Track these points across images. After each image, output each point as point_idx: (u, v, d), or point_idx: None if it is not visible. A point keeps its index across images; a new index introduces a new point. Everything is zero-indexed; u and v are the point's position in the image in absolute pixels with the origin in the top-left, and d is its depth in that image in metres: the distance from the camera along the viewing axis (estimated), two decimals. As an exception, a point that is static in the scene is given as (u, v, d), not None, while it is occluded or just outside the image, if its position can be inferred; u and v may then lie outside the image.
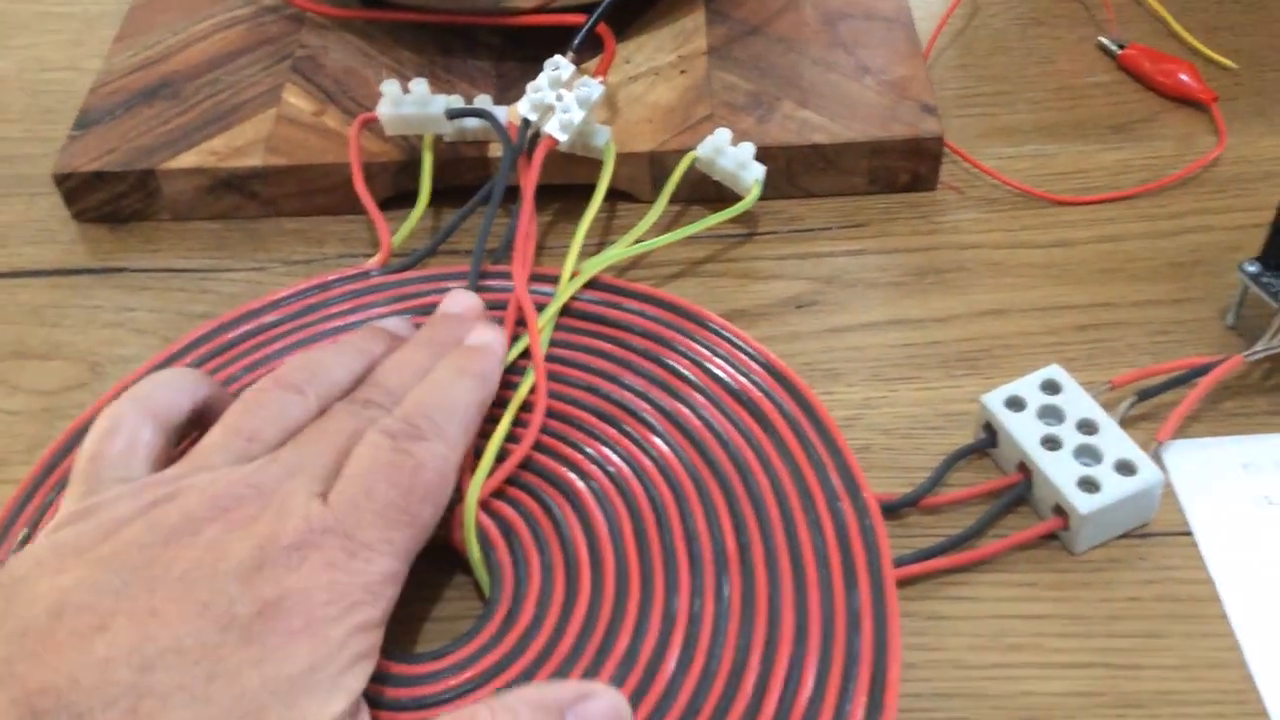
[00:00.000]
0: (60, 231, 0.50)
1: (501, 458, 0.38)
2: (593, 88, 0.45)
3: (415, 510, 0.33)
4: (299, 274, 0.47)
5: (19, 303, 0.47)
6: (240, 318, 0.43)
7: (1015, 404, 0.39)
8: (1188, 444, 0.40)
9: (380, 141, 0.48)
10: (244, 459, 0.34)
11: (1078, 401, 0.39)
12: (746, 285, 0.46)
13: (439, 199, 0.48)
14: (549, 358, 0.41)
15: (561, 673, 0.34)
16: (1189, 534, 0.38)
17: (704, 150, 0.46)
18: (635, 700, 0.33)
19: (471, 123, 0.47)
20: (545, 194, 0.46)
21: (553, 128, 0.45)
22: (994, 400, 0.39)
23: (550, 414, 0.39)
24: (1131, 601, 0.36)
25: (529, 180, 0.45)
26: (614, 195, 0.48)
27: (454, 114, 0.47)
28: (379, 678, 0.34)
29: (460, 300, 0.42)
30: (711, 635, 0.34)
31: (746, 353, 0.41)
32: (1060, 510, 0.37)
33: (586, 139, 0.46)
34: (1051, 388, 0.39)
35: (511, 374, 0.41)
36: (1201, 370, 0.40)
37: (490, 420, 0.39)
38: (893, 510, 0.38)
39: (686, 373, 0.40)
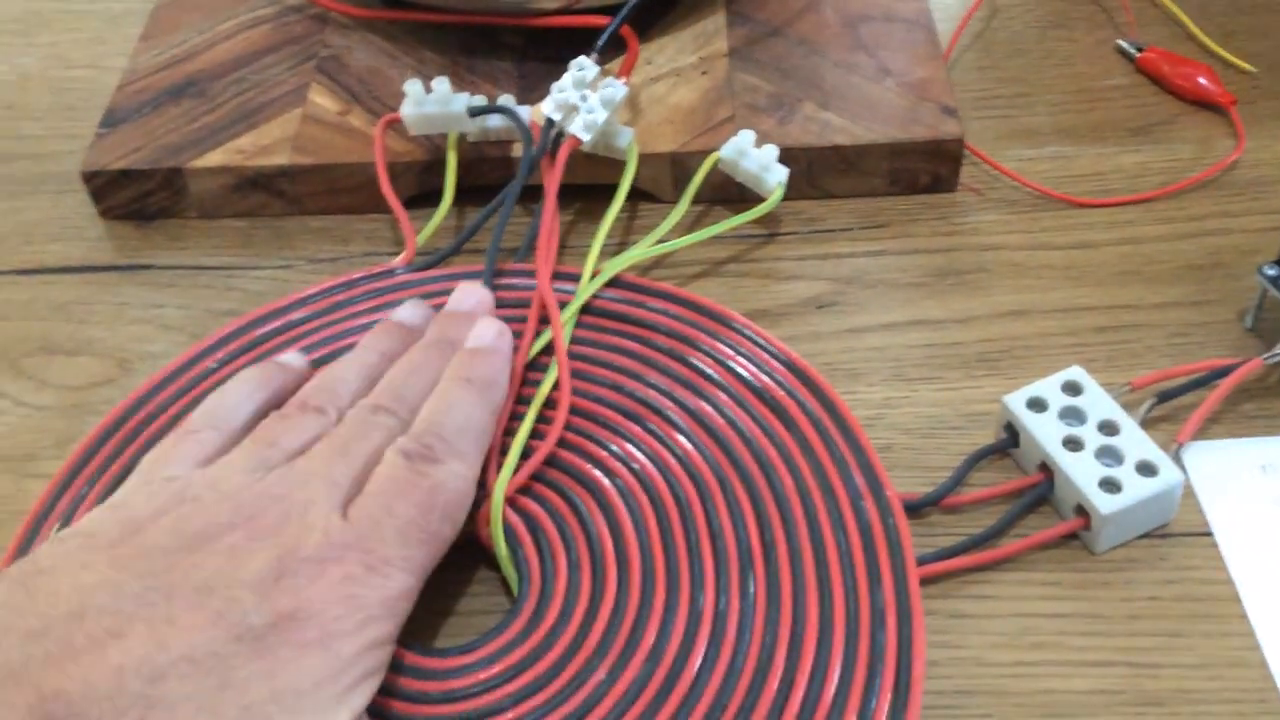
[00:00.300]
0: (87, 228, 0.50)
1: (526, 454, 0.39)
2: (617, 88, 0.46)
3: (435, 529, 0.34)
4: (324, 272, 0.48)
5: (47, 299, 0.48)
6: (267, 315, 0.44)
7: (1037, 405, 0.39)
8: (1207, 445, 0.40)
9: (405, 141, 0.49)
10: (264, 466, 0.34)
11: (1099, 403, 0.39)
12: (767, 285, 0.46)
13: (463, 198, 0.48)
14: (572, 355, 0.41)
15: (588, 668, 0.34)
16: (1209, 534, 0.38)
17: (727, 152, 0.47)
18: (660, 696, 0.33)
19: (495, 122, 0.48)
20: (566, 194, 0.46)
21: (576, 128, 0.45)
22: (1016, 401, 0.39)
23: (574, 411, 0.40)
24: (1152, 601, 0.37)
25: (552, 179, 0.45)
26: (635, 195, 0.48)
27: (476, 111, 0.47)
28: (408, 671, 0.34)
29: (470, 295, 0.42)
30: (737, 632, 0.34)
31: (769, 351, 0.41)
32: (1082, 510, 0.37)
33: (609, 139, 0.47)
34: (1073, 389, 0.40)
35: (534, 371, 0.41)
36: (1221, 372, 0.41)
37: (515, 417, 0.40)
38: (915, 509, 0.39)
39: (710, 371, 0.41)
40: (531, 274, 0.44)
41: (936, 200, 0.49)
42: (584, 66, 0.46)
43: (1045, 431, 0.38)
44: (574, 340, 0.42)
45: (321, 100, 0.51)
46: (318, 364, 0.40)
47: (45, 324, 0.47)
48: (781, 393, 0.40)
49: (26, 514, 0.38)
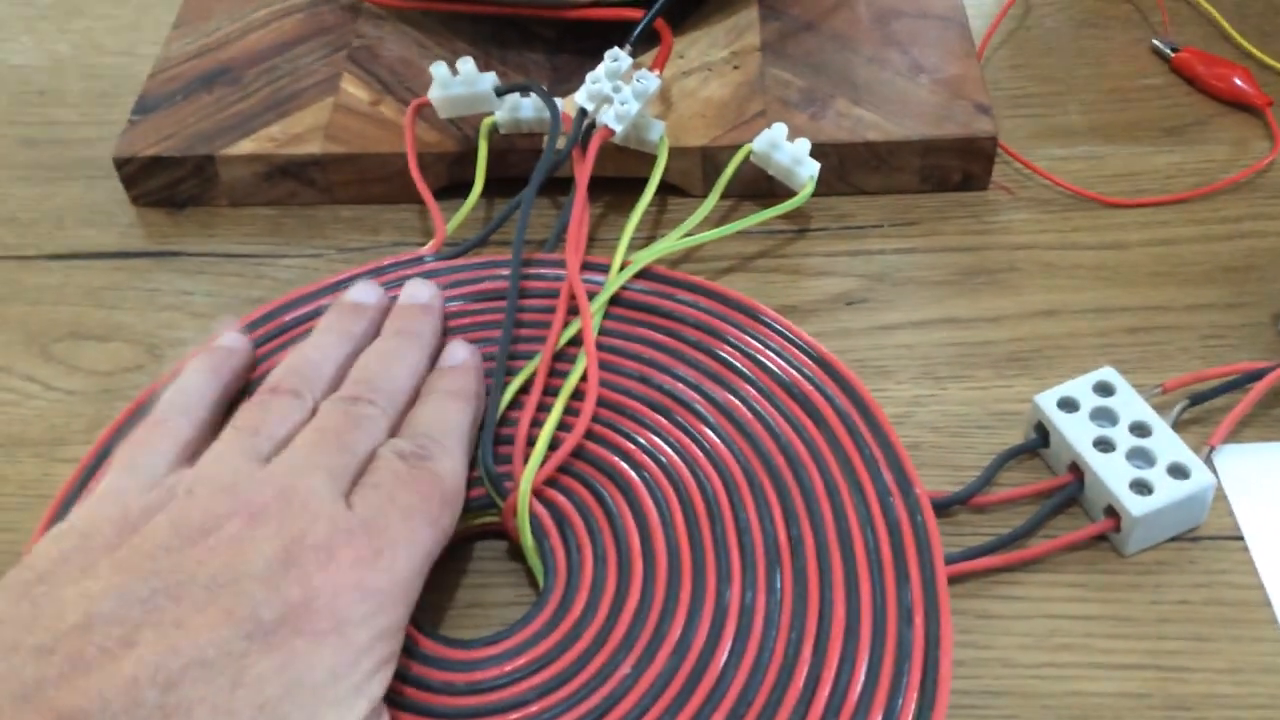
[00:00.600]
0: (119, 214, 0.50)
1: (553, 446, 0.39)
2: (650, 81, 0.46)
3: (437, 515, 0.34)
4: (354, 261, 0.48)
5: (77, 284, 0.48)
6: (295, 301, 0.44)
7: (1068, 405, 0.39)
8: (1239, 449, 0.40)
9: (436, 131, 0.49)
10: (255, 455, 0.34)
11: (1130, 404, 0.39)
12: (797, 281, 0.46)
13: (493, 189, 0.48)
14: (600, 346, 0.41)
15: (613, 661, 0.34)
16: (1240, 538, 0.38)
17: (760, 144, 0.46)
18: (687, 691, 0.33)
19: (527, 113, 0.48)
20: (595, 186, 0.46)
21: (608, 118, 0.45)
22: (1047, 401, 0.39)
23: (601, 403, 0.40)
24: (1181, 604, 0.36)
25: (584, 169, 0.45)
26: (664, 189, 0.48)
27: (502, 90, 0.47)
28: (433, 662, 0.34)
29: (423, 289, 0.42)
30: (763, 627, 0.34)
31: (798, 346, 0.41)
32: (1112, 512, 0.37)
33: (641, 132, 0.47)
34: (1104, 390, 0.39)
35: (562, 362, 0.41)
36: (1254, 375, 0.40)
37: (542, 409, 0.40)
38: (943, 508, 0.38)
39: (738, 364, 0.40)
40: (560, 264, 0.44)
41: (968, 198, 0.49)
42: (618, 58, 0.46)
43: (1076, 432, 0.38)
44: (602, 331, 0.42)
45: (353, 90, 0.51)
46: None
47: (76, 309, 0.47)
48: (810, 387, 0.40)
49: (54, 498, 0.39)
